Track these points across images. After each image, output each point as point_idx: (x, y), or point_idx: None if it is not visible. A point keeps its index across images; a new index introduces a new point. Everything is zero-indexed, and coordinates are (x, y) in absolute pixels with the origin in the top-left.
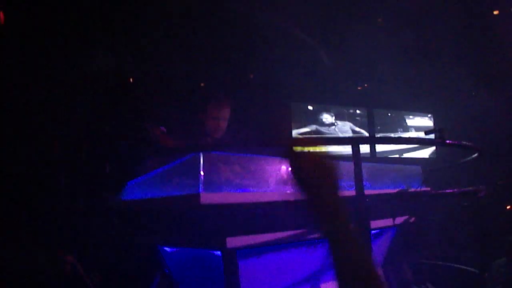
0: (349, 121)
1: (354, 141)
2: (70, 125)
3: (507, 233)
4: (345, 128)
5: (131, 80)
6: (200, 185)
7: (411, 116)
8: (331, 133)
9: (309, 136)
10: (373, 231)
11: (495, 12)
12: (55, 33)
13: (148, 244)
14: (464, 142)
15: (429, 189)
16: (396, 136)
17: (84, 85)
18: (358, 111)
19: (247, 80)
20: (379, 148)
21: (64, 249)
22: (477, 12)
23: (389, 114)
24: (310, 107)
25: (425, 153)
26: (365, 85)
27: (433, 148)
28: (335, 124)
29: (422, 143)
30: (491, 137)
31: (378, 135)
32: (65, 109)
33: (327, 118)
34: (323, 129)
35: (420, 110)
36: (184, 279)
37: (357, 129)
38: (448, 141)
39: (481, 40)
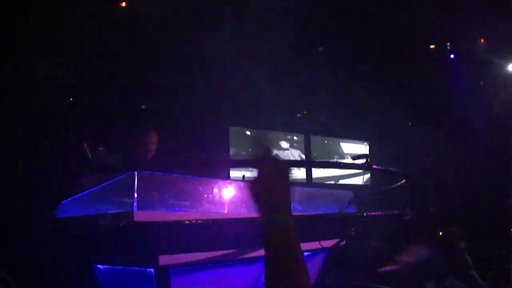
0: (293, 147)
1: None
2: (7, 138)
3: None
4: (295, 154)
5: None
6: (134, 203)
7: (347, 143)
8: (285, 157)
9: (244, 158)
10: (304, 253)
11: (432, 47)
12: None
13: (82, 262)
14: (389, 168)
15: (358, 212)
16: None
17: (25, 97)
18: (295, 137)
19: (187, 105)
20: (316, 174)
21: None
22: (412, 45)
23: (325, 141)
24: (248, 132)
25: (360, 180)
26: (304, 112)
27: (368, 175)
28: (289, 149)
29: (350, 167)
30: (424, 164)
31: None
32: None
33: (283, 144)
34: (280, 153)
35: (356, 138)
36: None
37: (303, 156)
38: (374, 166)
39: (416, 73)
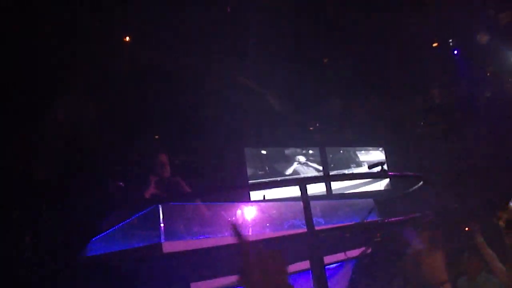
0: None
1: (301, 182)
2: (32, 182)
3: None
4: (312, 167)
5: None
6: (161, 235)
7: (363, 151)
8: (305, 172)
9: (260, 181)
10: (332, 265)
11: (435, 45)
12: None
13: None
14: (405, 172)
15: (380, 219)
16: (349, 172)
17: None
18: (311, 151)
19: (202, 130)
20: (335, 185)
21: None
22: (416, 46)
23: (341, 151)
24: (263, 152)
25: (379, 185)
26: (316, 124)
27: (387, 180)
28: (307, 163)
29: (367, 177)
30: (442, 166)
31: (332, 172)
32: (26, 164)
33: (300, 158)
34: (299, 168)
35: (371, 145)
36: None
37: (320, 167)
38: (390, 173)
39: (423, 73)
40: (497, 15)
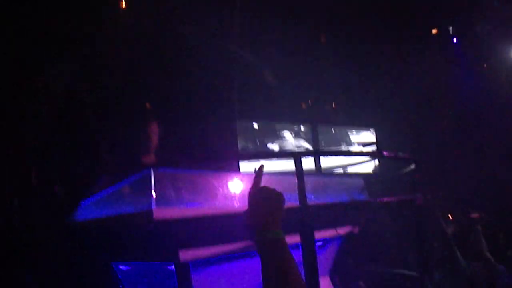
0: (299, 137)
1: (296, 155)
2: (23, 146)
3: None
4: (300, 144)
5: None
6: (152, 202)
7: (354, 132)
8: (289, 149)
9: (253, 150)
10: (318, 242)
11: (434, 31)
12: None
13: (102, 262)
14: (399, 153)
15: (370, 199)
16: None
17: (35, 102)
18: (302, 129)
19: (193, 100)
20: (324, 163)
21: (20, 268)
22: (414, 31)
23: (332, 130)
24: (255, 125)
25: (369, 167)
26: (309, 102)
27: (376, 162)
28: (293, 140)
29: (361, 155)
30: (432, 150)
31: None
32: (16, 127)
33: (286, 134)
34: (289, 145)
35: (363, 125)
36: None
37: (307, 145)
38: (384, 153)
39: (420, 58)
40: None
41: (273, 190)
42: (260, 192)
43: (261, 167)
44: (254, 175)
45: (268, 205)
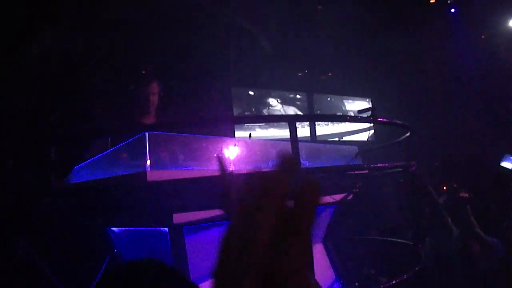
0: (290, 105)
1: (291, 118)
2: (16, 109)
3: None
4: (289, 112)
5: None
6: (147, 164)
7: (350, 101)
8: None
9: (250, 114)
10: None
11: (432, 1)
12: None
13: (96, 226)
14: (395, 120)
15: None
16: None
17: (30, 63)
18: (298, 96)
19: (188, 66)
20: (319, 131)
21: (15, 233)
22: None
23: (328, 99)
24: (251, 92)
25: (363, 136)
26: (305, 71)
27: (371, 131)
28: (281, 108)
29: (356, 121)
30: (428, 121)
31: None
32: (10, 92)
33: (273, 102)
34: (270, 111)
35: (359, 95)
36: (134, 258)
37: (299, 113)
38: (379, 119)
39: (417, 28)
40: None
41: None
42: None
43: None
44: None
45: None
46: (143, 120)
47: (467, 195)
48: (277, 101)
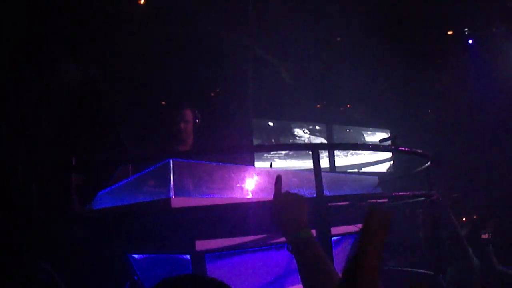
0: (310, 136)
1: (314, 147)
2: (40, 136)
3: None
4: (316, 142)
5: (100, 90)
6: (171, 191)
7: (369, 132)
8: None
9: (270, 144)
10: (333, 238)
11: (450, 33)
12: (19, 44)
13: (117, 252)
14: (415, 149)
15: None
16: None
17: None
18: (317, 127)
19: (210, 97)
20: (338, 162)
21: (38, 258)
22: (430, 31)
23: (347, 130)
24: (270, 123)
25: (383, 167)
26: (324, 102)
27: (390, 162)
28: (308, 137)
29: (378, 149)
30: (448, 152)
31: (337, 151)
32: (37, 113)
33: (297, 131)
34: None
35: (378, 126)
36: (154, 285)
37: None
38: (400, 148)
39: (435, 60)
40: None
41: (295, 194)
42: (283, 199)
43: (279, 176)
44: (274, 184)
45: (293, 210)
46: (181, 147)
47: (487, 235)
48: (303, 131)
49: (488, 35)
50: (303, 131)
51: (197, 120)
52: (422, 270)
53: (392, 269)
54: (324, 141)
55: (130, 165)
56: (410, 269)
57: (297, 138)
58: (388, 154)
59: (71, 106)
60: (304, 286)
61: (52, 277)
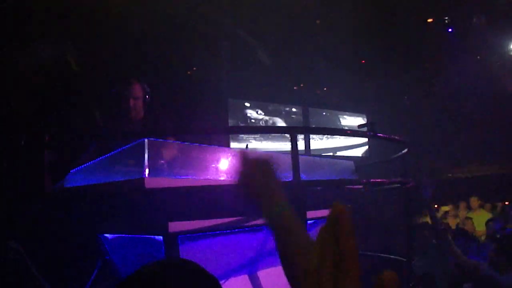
0: (285, 118)
1: (292, 130)
2: (12, 113)
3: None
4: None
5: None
6: (145, 170)
7: (345, 116)
8: None
9: (248, 125)
10: (309, 221)
11: (429, 20)
12: None
13: (89, 231)
14: (393, 136)
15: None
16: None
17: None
18: (294, 109)
19: (186, 77)
20: (313, 145)
21: (7, 236)
22: (409, 18)
23: (324, 113)
24: (247, 104)
25: (358, 151)
26: (301, 85)
27: (366, 147)
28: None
29: (356, 135)
30: (421, 138)
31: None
32: (7, 96)
33: (254, 115)
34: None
35: (354, 110)
36: (125, 265)
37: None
38: (379, 134)
39: (414, 46)
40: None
41: (260, 154)
42: (249, 161)
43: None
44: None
45: (260, 170)
46: (126, 126)
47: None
48: (257, 112)
49: (468, 25)
50: (257, 112)
51: (147, 97)
52: (396, 257)
53: (362, 253)
54: (283, 123)
55: (104, 143)
56: (381, 254)
57: (251, 120)
58: (364, 139)
59: (43, 83)
60: (282, 264)
61: (21, 256)
